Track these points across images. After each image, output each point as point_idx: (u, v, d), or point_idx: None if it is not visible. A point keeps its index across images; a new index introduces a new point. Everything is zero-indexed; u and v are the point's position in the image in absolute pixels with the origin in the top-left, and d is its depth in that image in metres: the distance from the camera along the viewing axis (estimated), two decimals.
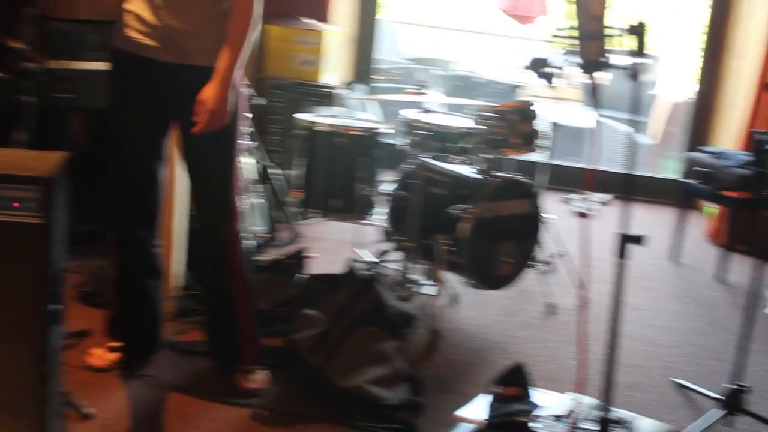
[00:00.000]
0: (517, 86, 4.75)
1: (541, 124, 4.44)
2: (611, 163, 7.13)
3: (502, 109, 4.29)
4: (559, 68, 3.65)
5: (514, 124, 4.28)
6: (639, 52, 2.76)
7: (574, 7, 2.83)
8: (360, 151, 4.37)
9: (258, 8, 3.11)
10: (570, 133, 6.68)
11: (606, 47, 2.83)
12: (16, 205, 2.79)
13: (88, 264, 4.00)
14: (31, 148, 3.51)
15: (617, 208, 5.71)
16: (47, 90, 3.79)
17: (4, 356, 2.69)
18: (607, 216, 5.64)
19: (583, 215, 5.63)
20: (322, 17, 6.09)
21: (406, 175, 4.40)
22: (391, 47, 9.45)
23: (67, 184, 2.95)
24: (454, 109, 5.07)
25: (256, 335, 3.40)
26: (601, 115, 8.17)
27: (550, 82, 3.74)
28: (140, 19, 3.08)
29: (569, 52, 2.86)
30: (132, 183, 3.28)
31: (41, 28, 3.75)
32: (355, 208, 4.37)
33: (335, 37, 6.03)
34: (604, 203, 6.12)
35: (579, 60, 2.81)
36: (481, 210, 4.06)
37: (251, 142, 4.73)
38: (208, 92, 3.05)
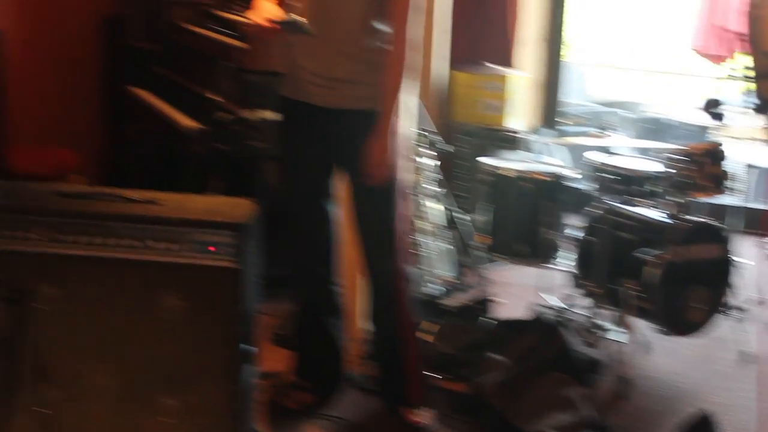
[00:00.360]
0: (708, 127, 4.62)
1: (734, 165, 4.30)
2: None
3: (691, 151, 4.18)
4: (734, 108, 3.55)
5: (704, 166, 4.17)
6: None
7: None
8: (545, 195, 4.35)
9: (412, 57, 3.18)
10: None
11: None
12: (212, 249, 2.93)
13: (281, 307, 4.13)
14: (226, 194, 3.67)
15: None
16: (242, 139, 3.96)
17: (198, 393, 2.82)
18: None
19: None
20: (507, 62, 6.12)
21: (592, 220, 4.34)
22: (579, 90, 9.35)
23: (259, 230, 3.07)
24: (642, 151, 4.97)
25: (422, 375, 3.45)
26: None
27: (721, 121, 3.63)
28: (304, 68, 3.22)
29: (748, 92, 2.79)
30: (304, 221, 3.42)
31: (236, 80, 3.93)
32: (540, 253, 4.35)
33: (520, 81, 6.04)
34: None
35: (755, 100, 2.73)
36: (671, 254, 3.97)
37: (438, 188, 4.79)
38: (372, 143, 3.17)
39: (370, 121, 3.19)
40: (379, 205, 3.31)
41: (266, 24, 3.05)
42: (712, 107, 3.61)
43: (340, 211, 3.47)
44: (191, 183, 3.91)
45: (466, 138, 5.64)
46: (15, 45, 4.34)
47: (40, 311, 2.96)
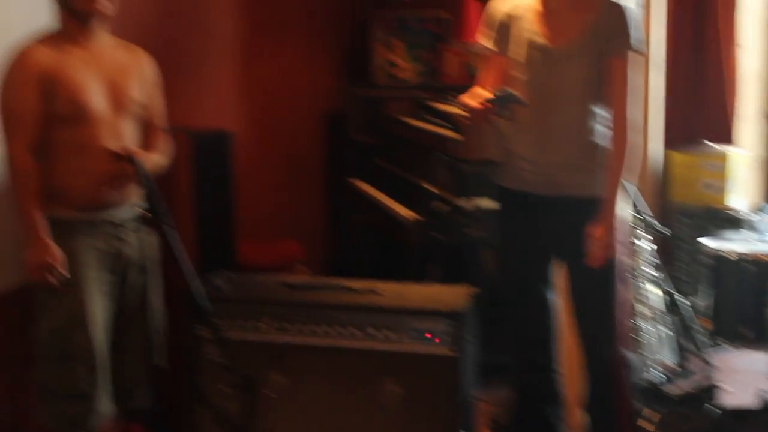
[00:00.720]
0: None
1: None
2: None
3: None
4: None
5: None
6: None
7: None
8: None
9: (633, 139, 3.18)
10: None
11: None
12: (428, 336, 3.01)
13: (499, 394, 4.15)
14: (444, 282, 3.77)
15: None
16: (458, 228, 4.05)
17: None
18: None
19: None
20: (727, 140, 5.98)
21: None
22: None
23: (475, 317, 3.14)
24: None
25: None
26: None
27: None
28: (521, 156, 3.28)
29: None
30: (523, 308, 3.43)
31: (452, 170, 4.04)
32: (767, 337, 4.20)
33: (741, 159, 5.89)
34: None
35: None
36: None
37: (657, 272, 4.71)
38: (597, 225, 3.16)
39: (590, 206, 3.20)
40: (599, 291, 3.30)
41: (480, 105, 3.12)
42: None
43: (558, 298, 3.48)
44: (410, 272, 4.03)
45: (685, 219, 5.52)
46: (244, 145, 4.64)
47: (269, 398, 3.12)
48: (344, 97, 5.78)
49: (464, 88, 5.09)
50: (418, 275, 4.08)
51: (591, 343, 3.39)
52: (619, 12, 3.18)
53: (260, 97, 5.29)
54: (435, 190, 3.82)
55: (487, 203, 4.14)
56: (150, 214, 3.10)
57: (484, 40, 3.35)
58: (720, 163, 5.71)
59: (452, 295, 3.23)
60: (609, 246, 3.17)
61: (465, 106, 3.18)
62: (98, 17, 3.12)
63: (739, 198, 5.80)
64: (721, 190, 5.68)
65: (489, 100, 3.09)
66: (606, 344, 3.34)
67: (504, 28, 3.29)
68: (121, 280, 3.23)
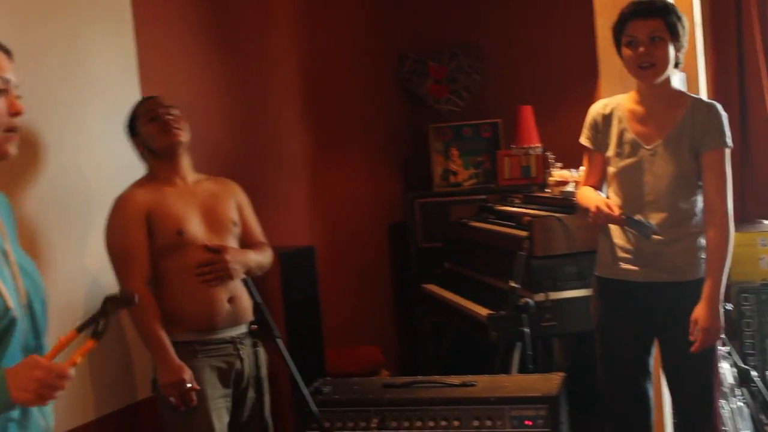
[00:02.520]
0: None
1: None
2: None
3: None
4: None
5: None
6: None
7: None
8: None
9: (731, 226, 3.38)
10: None
11: None
12: (528, 423, 3.20)
13: None
14: (526, 372, 3.96)
15: None
16: (536, 320, 4.26)
17: None
18: None
19: None
20: None
21: None
22: None
23: (567, 401, 3.34)
24: None
25: None
26: None
27: None
28: (618, 247, 3.47)
29: None
30: (622, 399, 3.53)
31: (524, 266, 4.27)
32: None
33: None
34: None
35: None
36: None
37: (724, 347, 4.85)
38: (701, 311, 3.31)
39: (691, 291, 3.36)
40: (699, 376, 3.43)
41: (610, 211, 3.30)
42: None
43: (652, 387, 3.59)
44: (490, 366, 4.21)
45: (748, 296, 5.67)
46: (322, 256, 4.90)
47: None
48: (406, 206, 6.07)
49: (521, 189, 5.39)
50: (499, 369, 4.25)
51: (686, 423, 3.52)
52: (711, 110, 3.40)
53: (330, 211, 5.59)
54: (515, 288, 4.02)
55: (558, 294, 4.34)
56: (258, 328, 3.32)
57: (584, 140, 3.60)
58: None
59: (544, 382, 3.41)
60: (715, 331, 3.32)
61: (595, 209, 3.35)
62: (178, 148, 3.42)
63: None
64: None
65: (624, 216, 3.30)
66: (704, 424, 3.45)
67: (600, 127, 3.52)
68: (237, 394, 3.44)
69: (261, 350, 3.50)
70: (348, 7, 5.98)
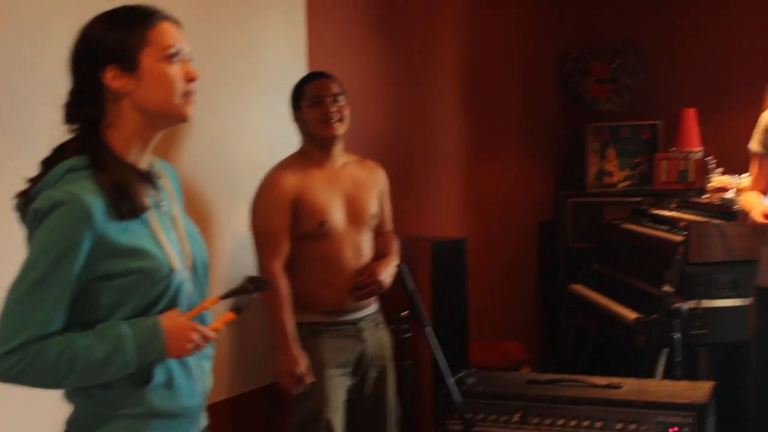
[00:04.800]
0: None
1: None
2: None
3: None
4: None
5: None
6: None
7: None
8: None
9: None
10: None
11: None
12: (674, 430, 3.16)
13: None
14: (674, 379, 3.90)
15: None
16: (685, 327, 4.18)
17: None
18: None
19: None
20: None
21: None
22: None
23: (716, 412, 3.28)
24: None
25: None
26: None
27: None
28: None
29: None
30: None
31: (678, 272, 4.19)
32: None
33: None
34: None
35: None
36: None
37: None
38: None
39: None
40: None
41: (765, 220, 3.28)
42: None
43: None
44: (637, 371, 4.16)
45: None
46: (473, 250, 4.93)
47: None
48: (558, 205, 6.03)
49: (677, 193, 5.29)
50: (645, 374, 4.19)
51: None
52: None
53: (482, 205, 5.62)
54: (661, 292, 3.96)
55: (711, 303, 4.26)
56: (409, 314, 3.37)
57: (755, 145, 3.53)
58: None
59: (692, 390, 3.36)
60: None
61: (754, 221, 3.33)
62: (336, 141, 3.48)
63: None
64: None
65: None
66: None
67: None
68: (360, 375, 3.51)
69: (385, 333, 3.58)
70: (512, 5, 5.97)
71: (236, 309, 2.03)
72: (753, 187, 3.55)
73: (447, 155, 5.31)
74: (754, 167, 3.57)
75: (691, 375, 4.64)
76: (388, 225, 3.70)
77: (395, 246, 3.66)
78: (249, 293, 2.05)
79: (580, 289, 5.30)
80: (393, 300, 3.49)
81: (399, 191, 4.81)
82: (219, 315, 2.06)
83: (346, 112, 3.49)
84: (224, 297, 2.05)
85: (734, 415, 3.91)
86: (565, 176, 6.35)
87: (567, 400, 3.38)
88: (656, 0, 6.20)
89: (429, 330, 3.30)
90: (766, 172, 3.50)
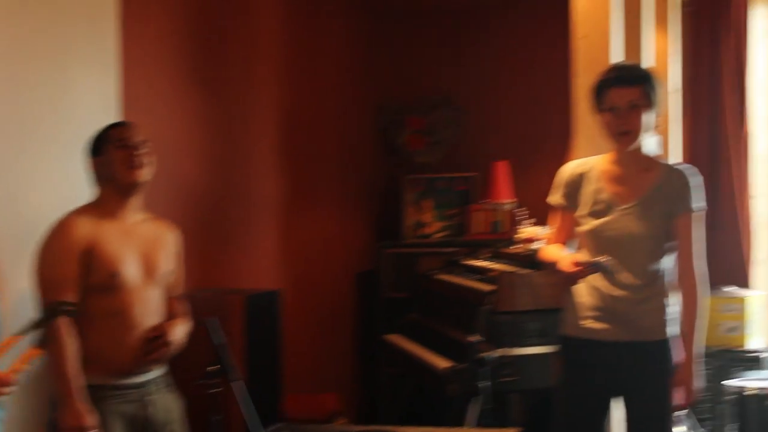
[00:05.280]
0: None
1: None
2: None
3: None
4: None
5: None
6: None
7: None
8: None
9: (702, 287, 3.44)
10: None
11: None
12: None
13: None
14: (484, 426, 3.97)
15: None
16: (495, 375, 4.27)
17: None
18: None
19: None
20: (743, 283, 6.22)
21: None
22: None
23: None
24: None
25: None
26: None
27: None
28: (587, 305, 3.49)
29: None
30: None
31: (487, 321, 4.29)
32: None
33: (758, 300, 6.12)
34: None
35: None
36: None
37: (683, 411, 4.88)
38: (682, 374, 3.37)
39: (656, 351, 3.42)
40: (658, 426, 3.45)
41: (574, 268, 3.35)
42: None
43: None
44: (446, 420, 4.21)
45: (707, 360, 5.71)
46: (286, 303, 4.91)
47: None
48: (376, 256, 6.09)
49: (491, 243, 5.44)
50: (455, 423, 4.25)
51: None
52: (682, 177, 3.48)
53: (300, 256, 5.61)
54: (471, 340, 4.04)
55: (520, 350, 4.37)
56: (217, 369, 3.31)
57: (556, 198, 3.65)
58: (739, 305, 5.94)
59: None
60: (693, 392, 3.38)
61: (561, 271, 3.39)
62: (137, 187, 3.33)
63: (757, 338, 6.01)
64: (740, 331, 5.89)
65: (585, 265, 3.34)
66: None
67: (575, 186, 3.57)
68: None
69: (173, 396, 3.42)
70: (332, 56, 6.04)
71: (39, 342, 1.91)
72: (554, 239, 3.67)
73: (264, 206, 5.30)
74: (555, 220, 3.69)
75: (505, 422, 4.75)
76: (180, 288, 3.59)
77: (185, 309, 3.54)
78: (49, 321, 1.94)
79: (395, 339, 5.34)
80: (201, 354, 3.41)
81: (214, 243, 4.76)
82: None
83: (151, 159, 3.39)
84: (20, 334, 1.94)
85: None
86: (384, 227, 6.43)
87: None
88: (471, 56, 6.40)
89: (238, 384, 3.25)
90: (567, 226, 3.63)
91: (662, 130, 5.60)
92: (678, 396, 3.38)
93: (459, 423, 4.15)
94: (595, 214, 3.50)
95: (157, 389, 3.36)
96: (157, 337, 3.27)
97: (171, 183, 4.23)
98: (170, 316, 3.43)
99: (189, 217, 4.54)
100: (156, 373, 3.37)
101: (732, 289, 6.05)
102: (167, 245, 3.47)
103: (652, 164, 3.53)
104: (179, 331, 3.38)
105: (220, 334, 3.28)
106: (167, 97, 4.41)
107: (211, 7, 4.86)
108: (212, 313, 3.51)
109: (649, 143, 3.66)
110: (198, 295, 4.26)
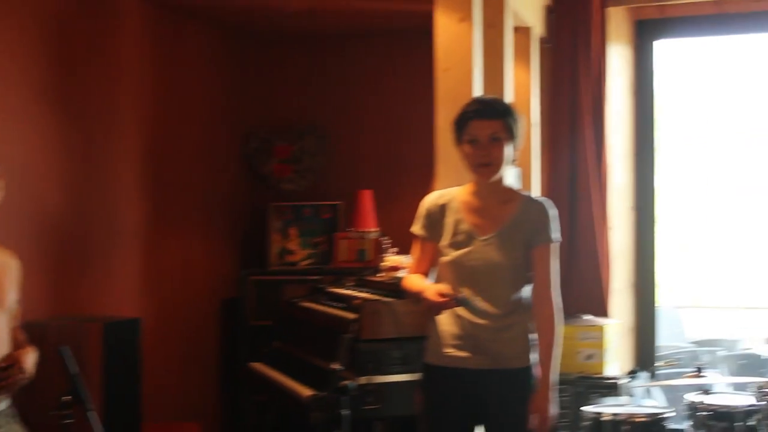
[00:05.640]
0: None
1: None
2: None
3: None
4: None
5: None
6: None
7: None
8: None
9: (559, 316, 3.54)
10: None
11: None
12: None
13: None
14: None
15: None
16: (358, 403, 4.28)
17: None
18: None
19: None
20: (602, 312, 6.39)
21: None
22: (675, 333, 9.55)
23: None
24: (739, 387, 5.15)
25: None
26: None
27: None
28: (450, 333, 3.54)
29: None
30: None
31: (351, 349, 4.30)
32: None
33: (616, 328, 6.31)
34: None
35: None
36: None
37: None
38: (540, 401, 3.45)
39: (518, 379, 3.49)
40: None
41: (439, 299, 3.40)
42: None
43: None
44: None
45: (566, 386, 5.85)
46: (148, 330, 4.83)
47: None
48: (240, 283, 6.04)
49: (356, 272, 5.46)
50: None
51: None
52: (540, 209, 3.58)
53: (162, 283, 5.53)
54: (335, 369, 4.04)
55: (383, 378, 4.39)
56: (71, 399, 3.23)
57: (417, 228, 3.69)
58: (597, 333, 6.11)
59: None
60: (549, 418, 3.46)
61: (427, 300, 3.43)
62: None
63: (615, 365, 6.19)
64: (599, 358, 6.06)
65: (450, 297, 3.40)
66: None
67: (436, 217, 3.62)
68: None
69: (19, 428, 3.36)
70: (198, 81, 6.00)
71: None
72: (416, 270, 3.71)
73: (126, 231, 5.21)
74: (416, 250, 3.74)
75: None
76: (19, 317, 3.51)
77: (26, 338, 3.48)
78: None
79: (260, 367, 5.30)
80: (55, 384, 3.33)
81: (71, 269, 4.66)
82: None
83: (1, 183, 3.31)
84: None
85: None
86: (250, 254, 6.39)
87: None
88: (338, 83, 6.45)
89: (92, 414, 3.17)
90: (428, 256, 3.68)
91: (523, 163, 5.75)
92: (534, 422, 3.45)
93: None
94: (455, 245, 3.56)
95: (5, 421, 3.28)
96: (8, 366, 3.20)
97: (24, 207, 4.13)
98: (16, 345, 3.36)
99: (45, 243, 4.44)
100: (2, 405, 3.28)
101: (590, 318, 6.21)
102: (11, 273, 3.40)
103: (511, 196, 3.61)
104: (30, 360, 3.30)
105: (73, 363, 3.20)
106: (20, 119, 4.30)
107: (70, 28, 4.77)
108: (68, 341, 3.43)
109: (510, 175, 3.76)
110: (54, 323, 4.17)
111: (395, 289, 4.62)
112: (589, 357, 6.05)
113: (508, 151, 3.52)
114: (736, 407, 4.69)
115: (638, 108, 6.89)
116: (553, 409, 3.48)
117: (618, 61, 6.66)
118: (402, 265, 4.98)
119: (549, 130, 6.42)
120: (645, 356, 6.86)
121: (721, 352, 8.71)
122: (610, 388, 5.76)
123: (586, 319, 6.18)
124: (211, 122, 6.11)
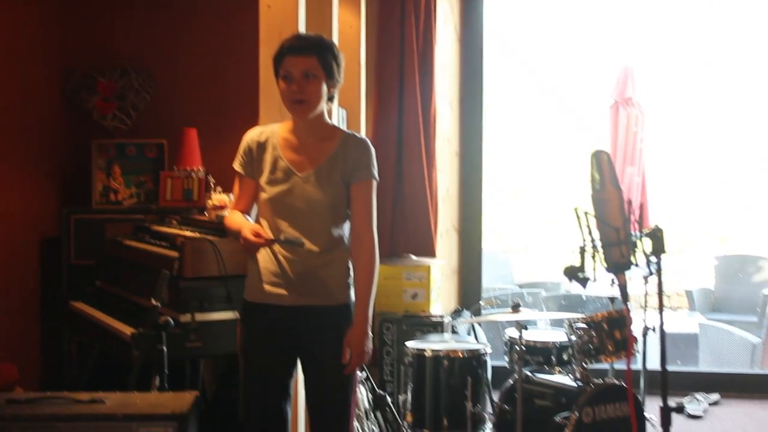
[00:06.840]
0: (616, 298, 5.02)
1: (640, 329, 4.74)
2: (722, 363, 7.19)
3: (594, 320, 4.60)
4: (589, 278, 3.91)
5: (608, 331, 4.58)
6: (657, 253, 3.17)
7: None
8: (466, 371, 4.70)
9: (376, 252, 3.58)
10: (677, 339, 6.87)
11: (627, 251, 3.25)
12: None
13: None
14: (163, 391, 3.94)
15: (727, 407, 5.84)
16: (180, 341, 4.26)
17: None
18: (718, 415, 5.75)
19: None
20: (429, 252, 6.53)
21: (509, 390, 4.68)
22: (503, 275, 9.89)
23: (198, 420, 3.35)
24: (556, 323, 5.39)
25: None
26: (709, 318, 8.32)
27: (584, 286, 3.96)
28: (269, 271, 3.55)
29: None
30: (261, 420, 3.61)
31: (173, 287, 4.26)
32: (464, 426, 4.65)
33: (442, 269, 6.46)
34: (712, 403, 6.19)
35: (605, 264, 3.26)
36: (581, 415, 4.30)
37: (363, 373, 5.09)
38: (354, 335, 3.48)
39: (338, 314, 3.54)
40: (339, 399, 3.57)
41: (254, 239, 3.39)
42: (574, 273, 3.95)
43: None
44: (132, 385, 4.16)
45: (391, 325, 5.97)
46: None
47: None
48: (62, 222, 5.87)
49: (183, 211, 5.39)
50: (141, 387, 4.20)
51: None
52: (360, 145, 3.59)
53: None
54: (156, 306, 4.00)
55: (205, 316, 4.37)
56: None
57: (237, 165, 3.65)
58: (423, 273, 6.24)
59: (176, 400, 3.41)
60: (367, 354, 3.51)
61: (245, 238, 3.41)
62: None
63: (439, 304, 6.35)
64: (424, 297, 6.20)
65: (275, 240, 3.43)
66: None
67: (255, 154, 3.59)
68: None
69: None
70: (14, 15, 5.72)
71: None
72: (235, 206, 3.69)
73: None
74: (237, 186, 3.72)
75: (194, 387, 4.76)
76: None
77: None
78: None
79: (81, 306, 5.19)
80: None
81: None
82: None
83: None
84: None
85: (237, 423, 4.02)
86: (71, 193, 6.20)
87: (47, 417, 3.28)
88: (161, 19, 6.27)
89: None
90: (248, 192, 3.66)
91: (350, 105, 5.77)
92: (347, 357, 3.50)
93: (144, 388, 4.09)
94: (273, 182, 3.55)
95: None
96: None
97: None
98: None
99: None
100: None
101: (417, 258, 6.34)
102: None
103: (331, 133, 3.61)
104: None
105: None
106: None
107: None
108: None
109: (333, 114, 3.76)
110: None
111: (219, 227, 4.60)
112: (415, 296, 6.19)
113: (324, 88, 3.51)
114: (549, 342, 4.91)
115: (466, 55, 7.02)
116: (368, 345, 3.54)
117: (445, 8, 6.75)
118: (227, 204, 4.95)
119: (378, 73, 6.46)
120: (469, 297, 7.06)
121: (544, 294, 9.07)
122: (436, 326, 5.91)
123: (413, 260, 6.30)
124: (29, 57, 5.86)
